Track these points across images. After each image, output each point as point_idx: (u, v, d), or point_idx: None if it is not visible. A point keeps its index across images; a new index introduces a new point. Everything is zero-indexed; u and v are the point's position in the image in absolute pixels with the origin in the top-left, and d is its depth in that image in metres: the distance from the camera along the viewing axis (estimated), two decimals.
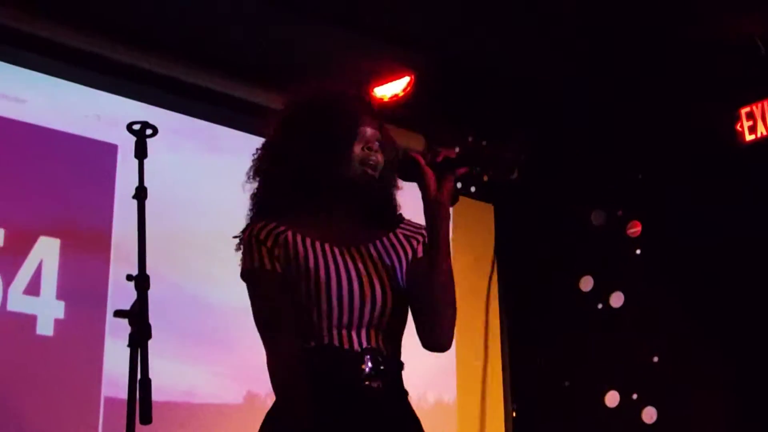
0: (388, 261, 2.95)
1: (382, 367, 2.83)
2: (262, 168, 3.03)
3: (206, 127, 5.29)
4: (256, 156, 3.07)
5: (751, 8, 5.17)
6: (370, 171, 2.91)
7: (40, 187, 4.92)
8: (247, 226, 2.95)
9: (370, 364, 2.84)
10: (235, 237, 2.98)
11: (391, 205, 3.01)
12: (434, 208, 2.85)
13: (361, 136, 2.95)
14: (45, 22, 4.99)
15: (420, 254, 2.99)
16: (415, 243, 3.01)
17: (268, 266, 2.87)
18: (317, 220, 2.93)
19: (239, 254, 2.98)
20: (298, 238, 2.87)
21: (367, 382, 2.82)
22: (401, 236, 3.01)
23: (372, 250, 2.93)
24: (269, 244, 2.88)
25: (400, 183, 3.00)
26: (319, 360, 2.83)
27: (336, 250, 2.90)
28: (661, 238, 5.97)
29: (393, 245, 2.99)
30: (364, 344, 2.85)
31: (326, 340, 2.83)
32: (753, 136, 5.49)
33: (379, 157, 2.93)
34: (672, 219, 5.92)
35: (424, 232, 2.98)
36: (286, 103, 3.12)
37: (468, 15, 5.17)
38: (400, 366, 2.91)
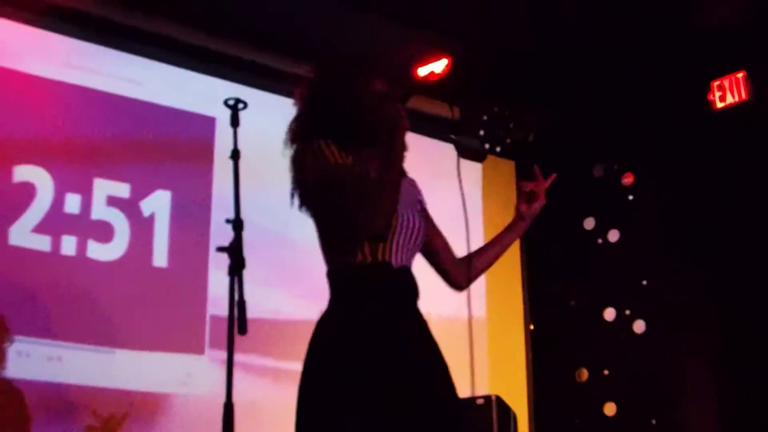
0: (410, 199, 2.89)
1: (412, 280, 2.80)
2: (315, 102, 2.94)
3: (285, 102, 5.30)
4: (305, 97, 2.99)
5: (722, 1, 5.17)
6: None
7: (155, 151, 5.01)
8: (314, 143, 2.78)
9: (405, 277, 2.79)
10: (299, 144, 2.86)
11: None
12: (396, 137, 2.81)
13: (377, 85, 2.90)
14: (155, 20, 5.07)
15: (424, 207, 2.94)
16: (420, 196, 2.95)
17: (345, 161, 2.73)
18: (358, 156, 2.80)
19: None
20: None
21: (402, 283, 2.78)
22: (408, 185, 2.91)
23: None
24: (342, 153, 2.75)
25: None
26: (370, 271, 2.75)
27: None
28: (650, 186, 5.98)
29: (408, 190, 2.90)
30: (402, 262, 2.77)
31: (378, 255, 2.74)
32: (722, 104, 5.46)
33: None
34: (658, 170, 5.93)
35: (419, 189, 2.96)
36: (321, 64, 3.05)
37: (494, 7, 5.18)
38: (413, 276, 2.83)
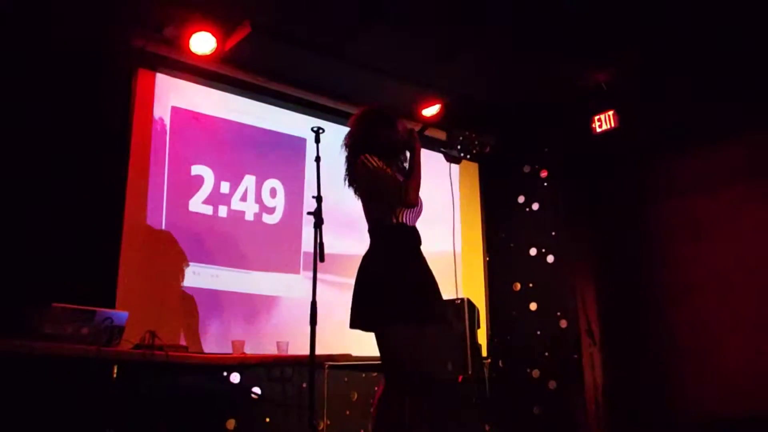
0: None
1: (418, 233, 2.89)
2: (366, 131, 2.96)
3: (345, 129, 5.28)
4: (356, 127, 3.01)
5: (601, 67, 5.09)
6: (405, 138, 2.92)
7: (271, 156, 4.95)
8: (362, 156, 2.84)
9: (415, 232, 2.89)
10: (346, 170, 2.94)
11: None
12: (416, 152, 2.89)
13: (399, 124, 2.96)
14: (272, 82, 5.01)
15: None
16: None
17: (383, 166, 2.82)
18: (388, 161, 2.89)
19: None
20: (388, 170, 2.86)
21: (413, 235, 2.87)
22: None
23: None
24: (380, 162, 2.82)
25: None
26: (403, 228, 2.83)
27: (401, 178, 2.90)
28: (556, 178, 5.92)
29: None
30: (413, 223, 2.88)
31: (401, 219, 2.83)
32: (600, 129, 5.43)
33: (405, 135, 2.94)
34: (562, 168, 5.88)
35: None
36: (366, 109, 3.07)
37: (465, 76, 5.14)
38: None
